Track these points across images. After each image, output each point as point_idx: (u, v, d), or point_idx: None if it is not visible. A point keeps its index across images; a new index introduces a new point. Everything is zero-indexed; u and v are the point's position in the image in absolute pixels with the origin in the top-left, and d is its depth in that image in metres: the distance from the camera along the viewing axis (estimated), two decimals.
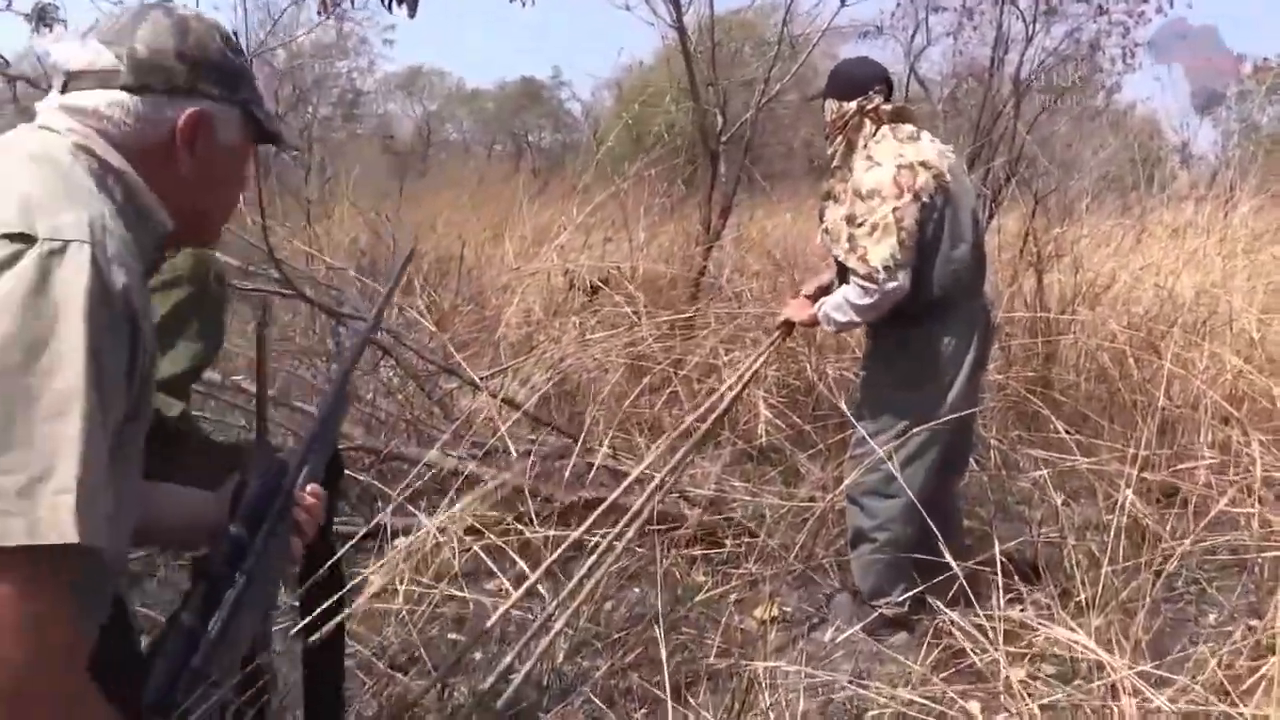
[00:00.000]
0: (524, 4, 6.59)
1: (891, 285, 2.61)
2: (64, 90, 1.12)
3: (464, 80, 33.35)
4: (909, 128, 2.76)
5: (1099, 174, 12.07)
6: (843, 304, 2.73)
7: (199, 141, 1.15)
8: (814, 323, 2.93)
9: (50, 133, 1.10)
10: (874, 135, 2.76)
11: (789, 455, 3.91)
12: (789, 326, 3.09)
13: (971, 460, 3.67)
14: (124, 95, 1.10)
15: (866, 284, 2.65)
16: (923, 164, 2.65)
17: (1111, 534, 2.53)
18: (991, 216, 8.32)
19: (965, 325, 2.72)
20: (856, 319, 2.76)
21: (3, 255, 0.92)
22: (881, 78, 2.85)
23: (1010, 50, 10.03)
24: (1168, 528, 3.07)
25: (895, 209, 2.61)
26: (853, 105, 2.80)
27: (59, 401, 0.90)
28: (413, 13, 3.12)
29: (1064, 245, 5.68)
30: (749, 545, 3.26)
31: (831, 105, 2.87)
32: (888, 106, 2.79)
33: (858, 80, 2.83)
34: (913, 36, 10.77)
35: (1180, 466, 3.07)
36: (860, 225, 2.65)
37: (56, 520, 0.88)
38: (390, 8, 3.11)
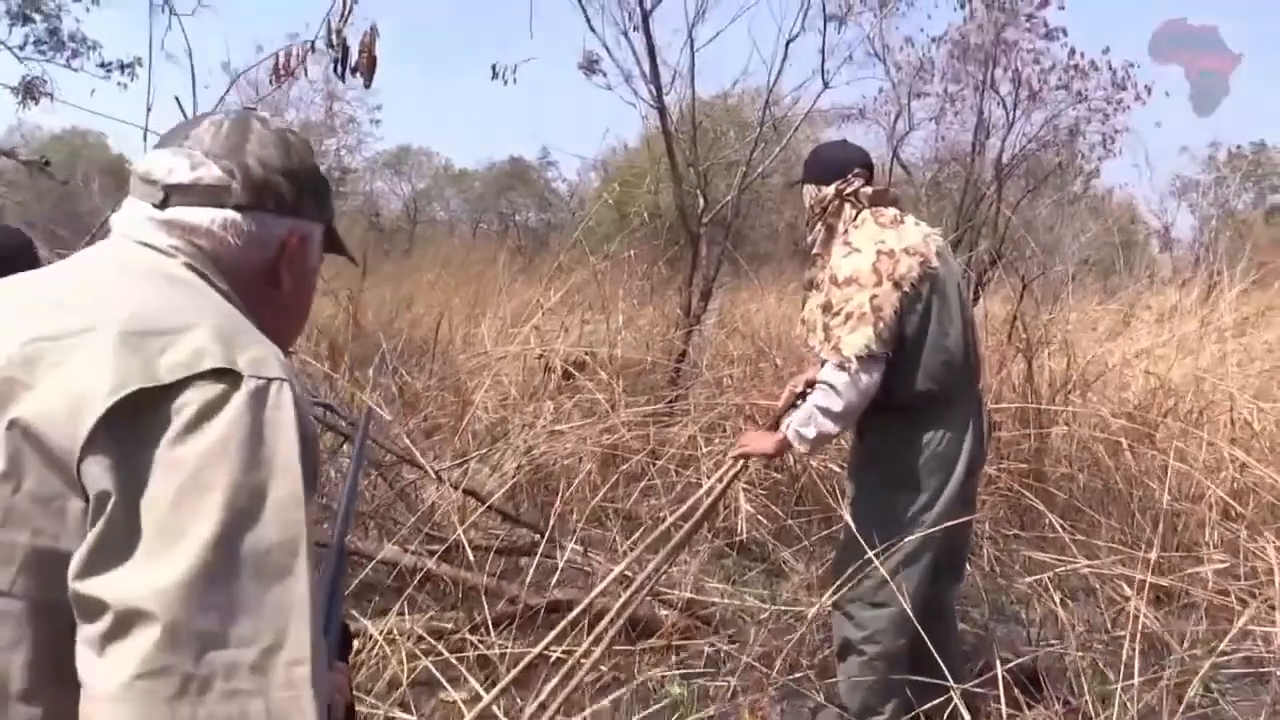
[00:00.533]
0: (505, 82, 6.65)
1: (865, 379, 2.42)
2: (163, 205, 1.03)
3: (452, 161, 33.65)
4: (892, 211, 2.61)
5: (1080, 258, 12.15)
6: (812, 415, 2.51)
7: (297, 261, 1.10)
8: (781, 451, 2.68)
9: (152, 250, 1.02)
10: (854, 220, 2.61)
11: (771, 550, 3.69)
12: (746, 459, 2.80)
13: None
14: (235, 214, 1.04)
15: (836, 376, 2.46)
16: (906, 250, 2.50)
17: (1123, 643, 2.33)
18: (977, 300, 8.28)
19: (959, 420, 2.53)
20: (831, 428, 2.51)
21: (213, 395, 0.84)
22: (861, 160, 2.71)
23: (991, 135, 10.18)
24: (1176, 635, 2.86)
25: (873, 297, 2.45)
26: (831, 190, 2.66)
27: (284, 559, 0.81)
28: (368, 83, 3.00)
29: (1052, 330, 5.56)
30: (728, 651, 3.02)
31: (810, 190, 2.73)
32: (869, 190, 2.65)
33: (836, 164, 2.69)
34: (895, 121, 10.87)
35: (1189, 571, 2.86)
36: (836, 314, 2.49)
37: (298, 699, 0.78)
38: (343, 77, 2.99)
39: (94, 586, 0.76)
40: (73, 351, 0.84)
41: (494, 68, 6.60)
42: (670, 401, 4.51)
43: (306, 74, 2.97)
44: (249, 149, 1.05)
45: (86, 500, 0.79)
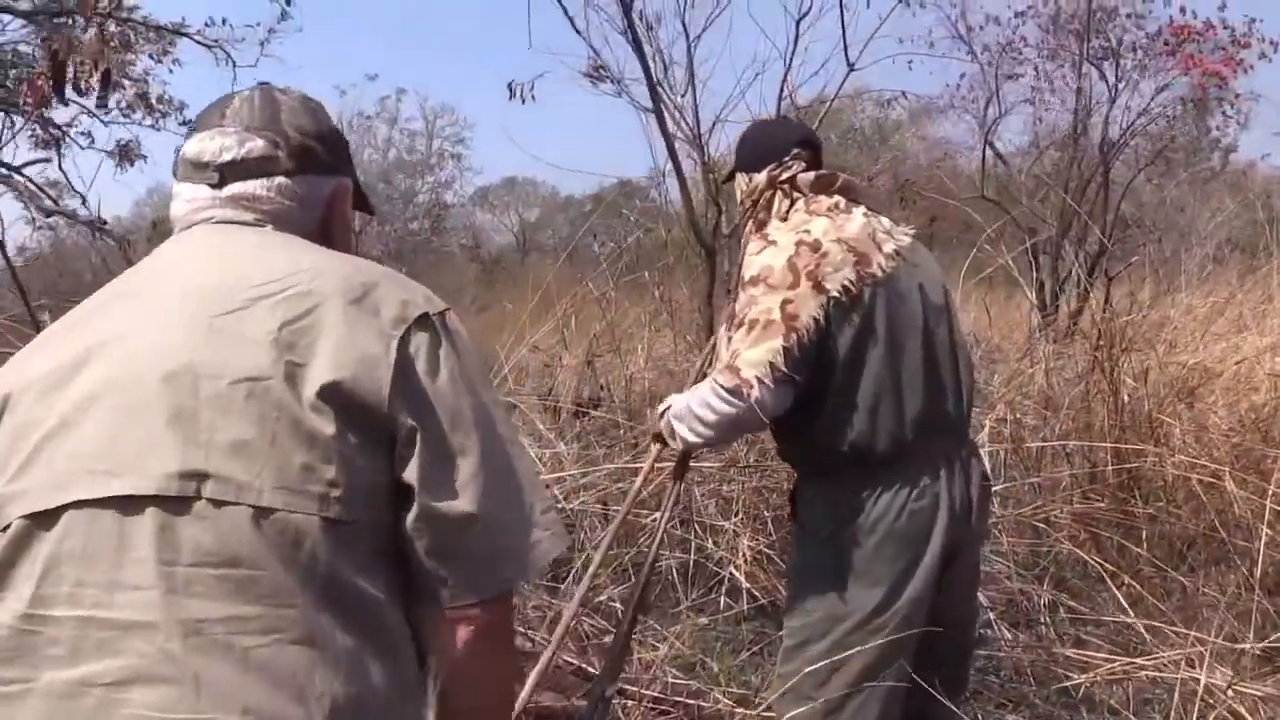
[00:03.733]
0: (523, 100, 6.22)
1: (760, 402, 1.78)
2: (220, 184, 1.12)
3: (556, 188, 33.75)
4: (834, 200, 1.97)
5: (1218, 239, 10.87)
6: (687, 411, 1.90)
7: (340, 214, 1.21)
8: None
9: (242, 226, 1.12)
10: (786, 211, 1.99)
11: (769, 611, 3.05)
12: (660, 439, 2.12)
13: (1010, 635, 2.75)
14: (286, 179, 1.14)
15: (728, 397, 1.81)
16: (838, 241, 1.85)
17: None
18: (1086, 295, 7.34)
19: (925, 483, 1.84)
20: (703, 435, 1.90)
21: (429, 336, 1.02)
22: (802, 140, 2.08)
23: (1094, 114, 9.16)
24: None
25: (786, 301, 1.80)
26: (762, 176, 2.05)
27: (515, 434, 1.09)
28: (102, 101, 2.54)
29: (1154, 328, 4.70)
30: None
31: (740, 180, 2.13)
32: (809, 176, 2.02)
33: (767, 146, 2.07)
34: (985, 107, 9.95)
35: None
36: (740, 324, 1.86)
37: (553, 537, 1.05)
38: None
39: (430, 500, 0.97)
40: (323, 328, 0.98)
41: (510, 86, 6.24)
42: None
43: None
44: (284, 118, 1.14)
45: (394, 438, 0.98)
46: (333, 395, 0.94)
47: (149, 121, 13.19)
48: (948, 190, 10.83)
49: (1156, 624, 2.53)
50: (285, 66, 12.02)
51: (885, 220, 2.02)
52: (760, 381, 1.78)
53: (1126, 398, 3.94)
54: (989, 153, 10.03)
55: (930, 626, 1.85)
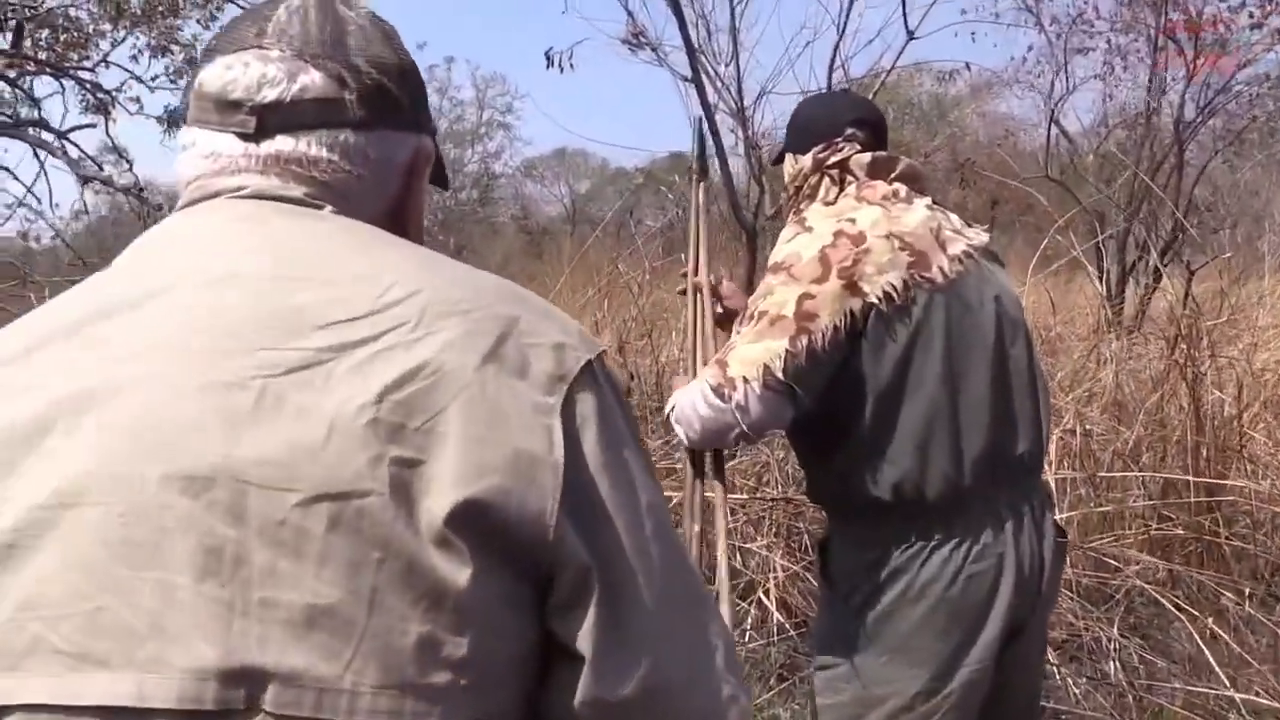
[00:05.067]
0: (561, 69, 5.94)
1: (741, 408, 1.48)
2: (259, 135, 0.72)
3: (607, 161, 33.44)
4: (893, 187, 1.64)
5: None
6: (685, 411, 1.58)
7: (416, 189, 0.81)
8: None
9: (293, 206, 0.72)
10: (835, 198, 1.67)
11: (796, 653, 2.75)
12: None
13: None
14: (354, 135, 0.74)
15: (712, 397, 1.51)
16: (889, 236, 1.53)
17: None
18: (1155, 285, 6.88)
19: (989, 536, 1.50)
20: (693, 440, 1.59)
21: (594, 397, 0.66)
22: (858, 118, 1.73)
23: (1169, 90, 8.61)
24: None
25: (805, 296, 1.49)
26: (808, 159, 1.73)
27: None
28: None
29: (1232, 325, 4.29)
30: None
31: (788, 163, 1.81)
32: (865, 158, 1.69)
33: (818, 125, 1.73)
34: (1052, 83, 9.41)
35: None
36: (750, 316, 1.56)
37: (742, 694, 0.75)
38: None
39: (608, 688, 0.64)
40: (448, 399, 0.60)
41: (547, 55, 5.97)
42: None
43: None
44: (352, 44, 0.75)
45: (551, 578, 0.62)
46: (470, 519, 0.58)
47: None
48: (1010, 170, 10.37)
49: (1241, 670, 2.19)
50: None
51: (954, 217, 1.68)
52: (746, 383, 1.47)
53: (1209, 407, 3.56)
54: (1054, 131, 9.55)
55: (985, 715, 1.53)
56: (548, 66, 5.92)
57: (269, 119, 0.72)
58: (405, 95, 0.78)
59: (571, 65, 5.93)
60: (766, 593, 2.77)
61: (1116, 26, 9.00)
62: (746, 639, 2.74)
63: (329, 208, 0.73)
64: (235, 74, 0.72)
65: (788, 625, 2.77)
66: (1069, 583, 2.88)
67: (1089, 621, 2.72)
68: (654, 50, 4.29)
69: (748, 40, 4.28)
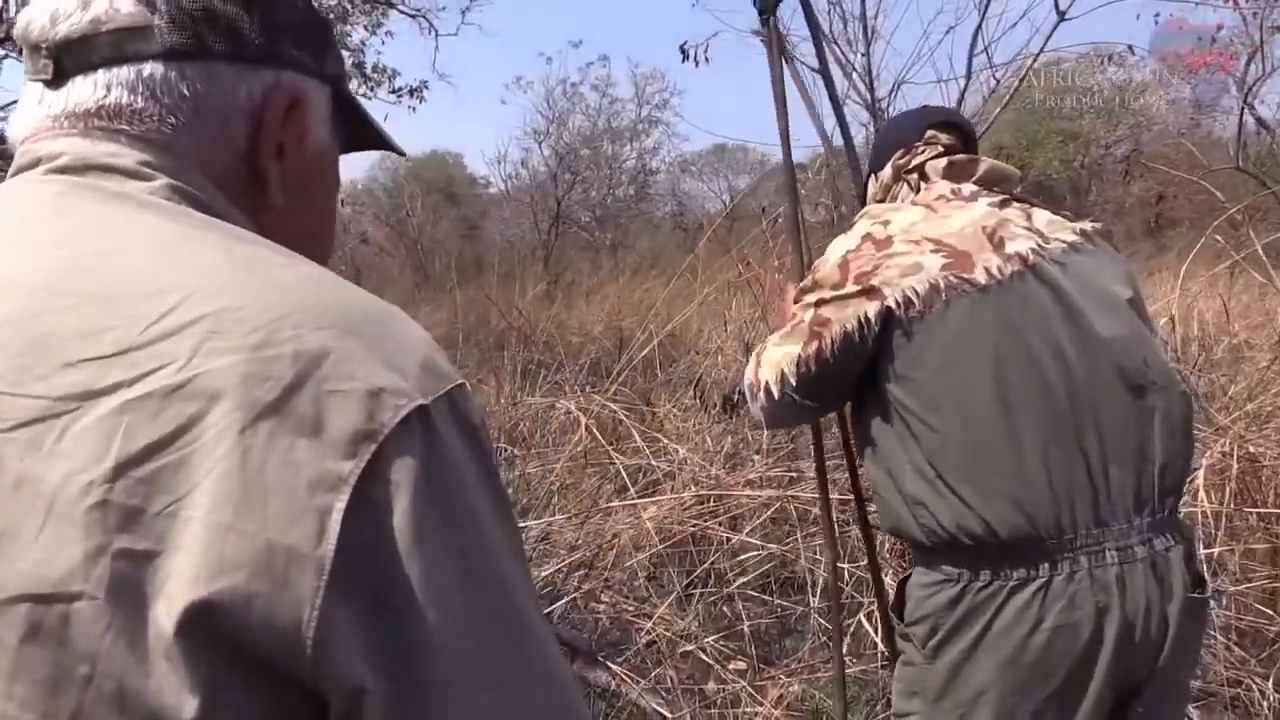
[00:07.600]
0: (695, 63, 5.89)
1: (763, 408, 1.52)
2: (57, 80, 0.61)
3: (767, 156, 33.22)
4: (956, 187, 1.49)
5: None
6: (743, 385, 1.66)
7: (290, 144, 0.64)
8: None
9: (130, 182, 0.58)
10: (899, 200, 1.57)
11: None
12: None
13: None
14: (160, 67, 0.60)
15: (746, 393, 1.58)
16: (923, 241, 1.39)
17: None
18: None
19: (1083, 582, 1.29)
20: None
21: (414, 463, 0.49)
22: (941, 122, 1.62)
23: None
24: None
25: (820, 302, 1.42)
26: (888, 171, 1.61)
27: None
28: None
29: None
30: None
31: (871, 185, 1.70)
32: (941, 161, 1.54)
33: (895, 136, 1.66)
34: (1246, 65, 8.55)
35: None
36: (788, 318, 1.55)
37: None
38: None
39: None
40: (201, 472, 0.46)
41: (682, 49, 5.93)
42: None
43: None
44: None
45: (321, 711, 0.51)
46: (204, 628, 0.46)
47: (362, 91, 13.79)
48: (1196, 161, 9.57)
49: None
50: (485, 34, 12.16)
51: (1043, 214, 1.50)
52: (767, 386, 1.48)
53: None
54: (1248, 118, 8.70)
55: None
56: (683, 60, 5.88)
57: (66, 60, 0.60)
58: (251, 19, 0.62)
59: (706, 59, 5.88)
60: (868, 616, 2.59)
61: None
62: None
63: (161, 179, 0.58)
64: (35, 9, 0.61)
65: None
66: (1221, 625, 2.56)
67: (1241, 672, 2.40)
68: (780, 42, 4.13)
69: (883, 28, 4.04)
